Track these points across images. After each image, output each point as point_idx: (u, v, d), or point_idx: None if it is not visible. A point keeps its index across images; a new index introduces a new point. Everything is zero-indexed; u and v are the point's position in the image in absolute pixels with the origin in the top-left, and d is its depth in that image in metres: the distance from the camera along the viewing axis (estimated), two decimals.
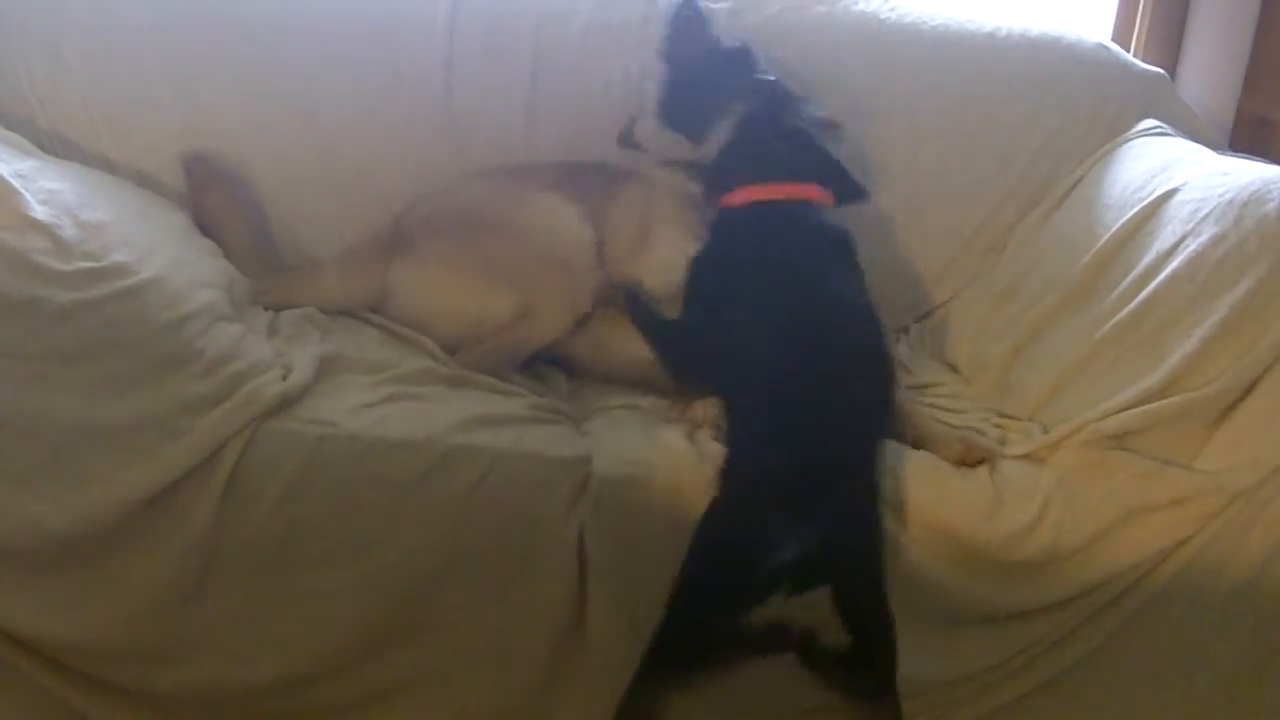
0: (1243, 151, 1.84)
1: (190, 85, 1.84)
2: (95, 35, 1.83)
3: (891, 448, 1.42)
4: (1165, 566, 1.38)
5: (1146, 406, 1.39)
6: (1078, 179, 1.85)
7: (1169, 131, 1.85)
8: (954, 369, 1.78)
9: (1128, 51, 2.09)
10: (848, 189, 1.65)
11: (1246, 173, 1.48)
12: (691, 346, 1.57)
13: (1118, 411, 1.41)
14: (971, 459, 1.44)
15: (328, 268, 1.78)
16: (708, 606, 1.19)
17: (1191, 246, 1.45)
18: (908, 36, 1.97)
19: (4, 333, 1.29)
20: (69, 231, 1.37)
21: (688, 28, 1.73)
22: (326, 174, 1.88)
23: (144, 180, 1.80)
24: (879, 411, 1.43)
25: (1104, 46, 2.01)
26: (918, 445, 1.47)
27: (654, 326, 1.62)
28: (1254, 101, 2.03)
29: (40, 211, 1.36)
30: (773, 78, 1.68)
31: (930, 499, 1.37)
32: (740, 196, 1.61)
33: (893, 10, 2.00)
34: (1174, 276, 1.45)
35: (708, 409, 1.49)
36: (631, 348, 1.65)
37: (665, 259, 1.68)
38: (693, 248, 1.64)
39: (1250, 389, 1.37)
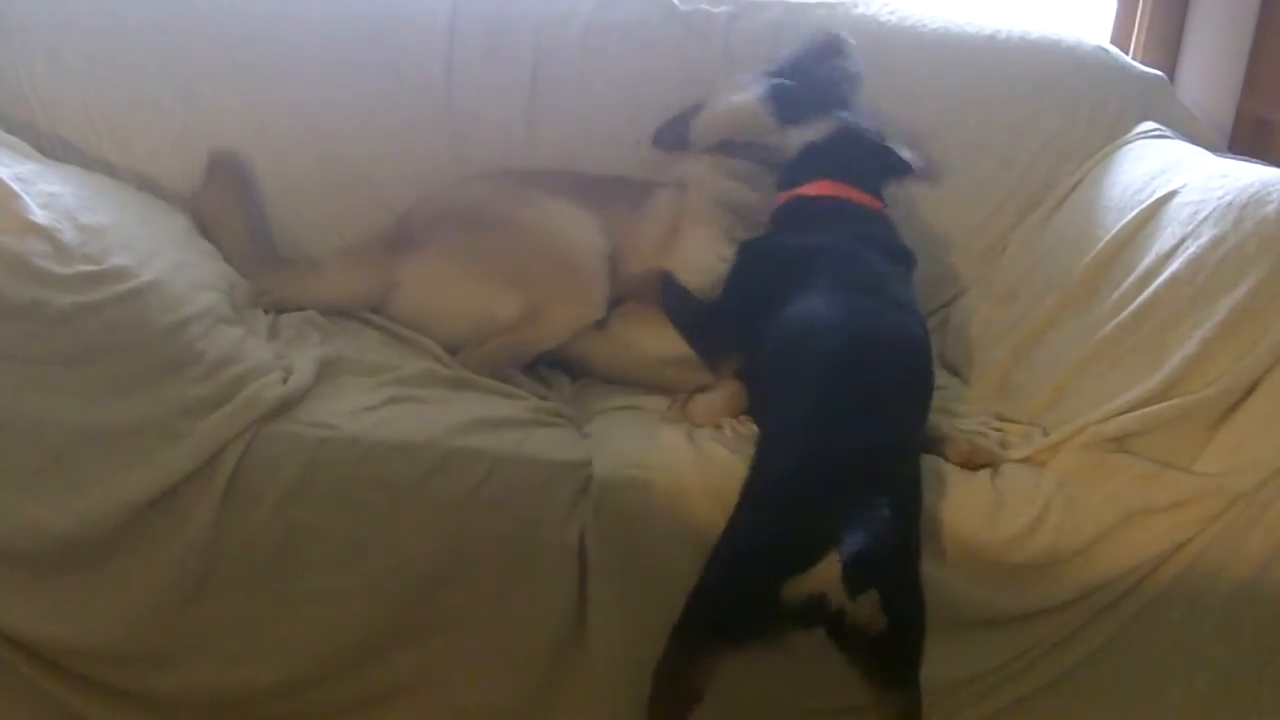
0: (1242, 153, 1.85)
1: (191, 88, 1.84)
2: (96, 38, 1.83)
3: None
4: (1165, 568, 1.38)
5: (1147, 409, 1.39)
6: (1077, 181, 1.85)
7: (1168, 134, 1.85)
8: (954, 372, 1.79)
9: (1127, 54, 2.09)
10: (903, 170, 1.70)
11: (1246, 175, 1.48)
12: (725, 325, 1.57)
13: (1118, 414, 1.40)
14: (976, 462, 1.44)
15: (330, 265, 1.78)
16: (751, 573, 1.19)
17: (1191, 248, 1.45)
18: (908, 39, 1.98)
19: (4, 336, 1.29)
20: (69, 235, 1.37)
21: (823, 53, 1.79)
22: (327, 176, 1.88)
23: (144, 183, 1.80)
24: (919, 410, 1.43)
25: (1103, 49, 2.01)
26: (924, 446, 1.47)
27: (688, 306, 1.63)
28: (1253, 103, 2.04)
29: (41, 215, 1.36)
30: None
31: (932, 502, 1.37)
32: (809, 189, 1.64)
33: (893, 13, 2.00)
34: (1173, 278, 1.45)
35: (709, 404, 1.49)
36: (648, 345, 1.65)
37: (698, 259, 1.68)
38: (727, 250, 1.64)
39: (1250, 391, 1.36)
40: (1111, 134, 1.89)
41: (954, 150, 1.93)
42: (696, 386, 1.58)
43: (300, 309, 1.68)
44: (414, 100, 1.89)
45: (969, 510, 1.38)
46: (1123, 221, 1.60)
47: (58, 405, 1.30)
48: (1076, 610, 1.39)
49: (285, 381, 1.41)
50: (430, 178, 1.87)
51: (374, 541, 1.36)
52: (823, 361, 1.35)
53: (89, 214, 1.45)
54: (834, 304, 1.44)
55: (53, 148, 1.79)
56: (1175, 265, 1.46)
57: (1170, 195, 1.55)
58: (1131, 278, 1.51)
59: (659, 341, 1.65)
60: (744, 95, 1.78)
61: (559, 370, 1.72)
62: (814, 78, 1.76)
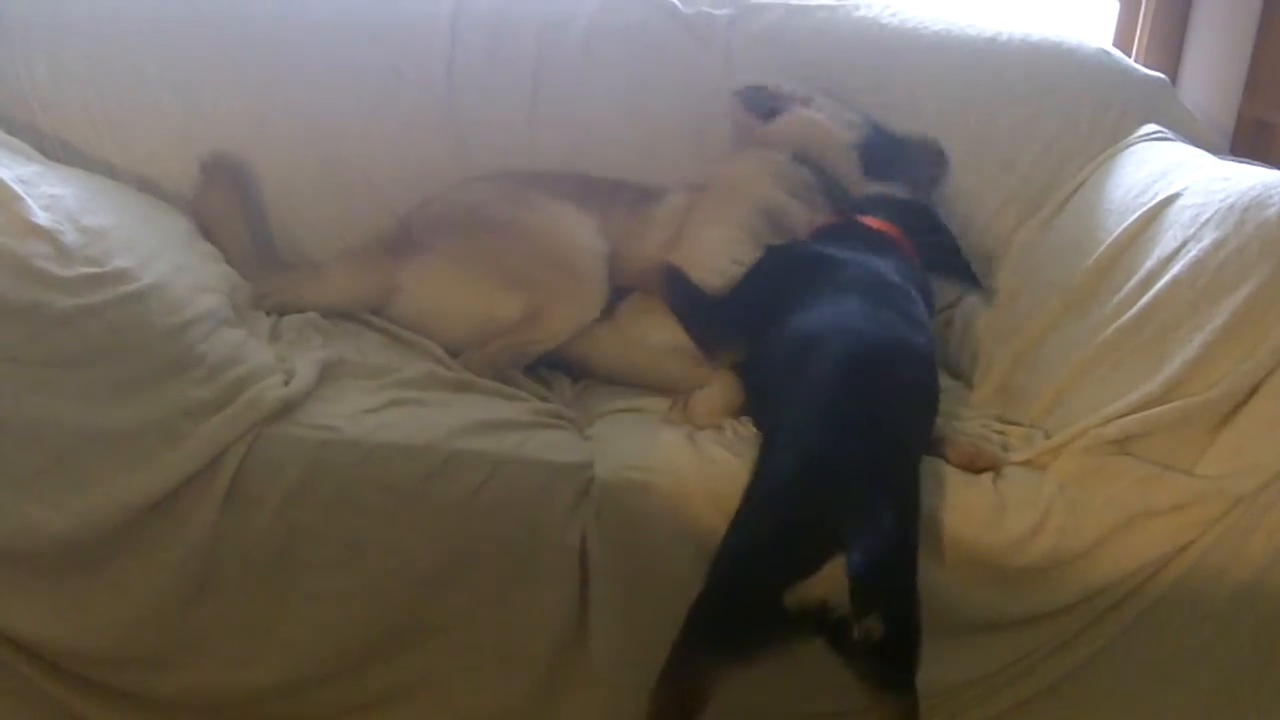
0: (1244, 156, 1.85)
1: (192, 89, 1.84)
2: (97, 40, 1.84)
3: None
4: (1167, 571, 1.38)
5: (1148, 411, 1.39)
6: (1079, 184, 1.85)
7: (1170, 136, 1.85)
8: (956, 374, 1.78)
9: (1129, 56, 2.09)
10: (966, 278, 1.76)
11: (1247, 177, 1.48)
12: (729, 317, 1.59)
13: (1119, 416, 1.40)
14: (979, 466, 1.43)
15: (332, 267, 1.79)
16: (753, 579, 1.19)
17: (1193, 251, 1.45)
18: (909, 41, 1.98)
19: (6, 337, 1.29)
20: (71, 237, 1.37)
21: (925, 148, 1.88)
22: (328, 178, 1.88)
23: (146, 185, 1.81)
24: (923, 422, 1.43)
25: (1105, 51, 2.01)
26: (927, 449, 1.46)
27: (691, 296, 1.63)
28: (1255, 106, 2.03)
29: (42, 217, 1.36)
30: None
31: (934, 505, 1.37)
32: (867, 220, 1.69)
33: (894, 15, 2.00)
34: (1175, 281, 1.45)
35: (709, 402, 1.49)
36: (653, 338, 1.66)
37: (713, 259, 1.68)
38: (747, 253, 1.65)
39: (1252, 393, 1.36)
40: (1113, 136, 1.89)
41: (955, 153, 1.93)
42: (696, 385, 1.59)
43: (302, 311, 1.68)
44: (415, 102, 1.89)
45: (971, 513, 1.37)
46: (1124, 224, 1.60)
47: (59, 407, 1.30)
48: (1078, 613, 1.39)
49: (287, 384, 1.41)
50: (431, 180, 1.87)
51: (375, 543, 1.36)
52: (834, 365, 1.35)
53: (91, 216, 1.45)
54: (850, 311, 1.44)
55: (54, 149, 1.79)
56: (1177, 268, 1.46)
57: (1172, 198, 1.55)
58: (1133, 281, 1.51)
59: (661, 335, 1.66)
60: (842, 129, 1.82)
61: (560, 372, 1.72)
62: (908, 158, 1.83)
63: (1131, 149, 1.83)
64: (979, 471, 1.43)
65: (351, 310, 1.73)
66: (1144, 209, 1.59)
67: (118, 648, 1.34)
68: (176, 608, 1.34)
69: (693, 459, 1.40)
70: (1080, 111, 1.93)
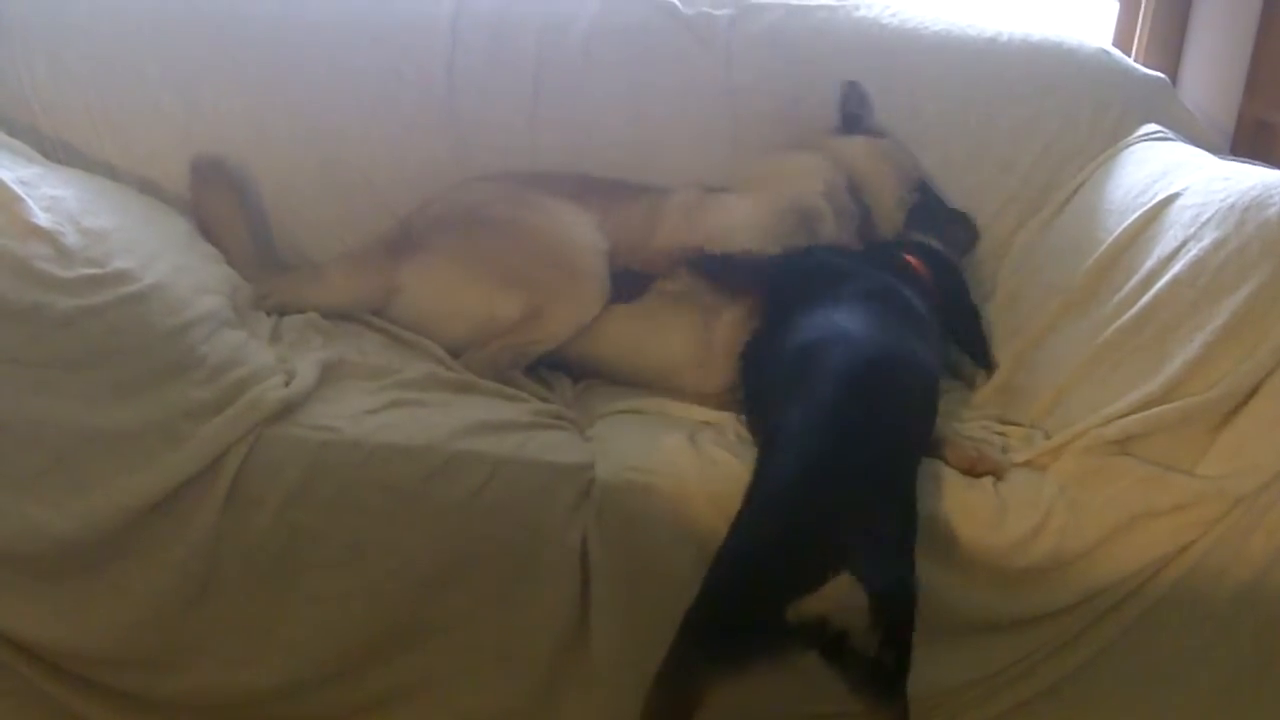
0: (1244, 156, 1.85)
1: (193, 90, 1.85)
2: (98, 41, 1.84)
3: None
4: (1167, 572, 1.38)
5: (1148, 412, 1.39)
6: (1079, 184, 1.85)
7: (1170, 136, 1.85)
8: (956, 375, 1.78)
9: (1129, 56, 2.09)
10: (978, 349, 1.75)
11: (1247, 177, 1.48)
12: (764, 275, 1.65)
13: (1120, 417, 1.40)
14: (980, 470, 1.43)
15: (332, 268, 1.79)
16: (754, 592, 1.18)
17: (1193, 251, 1.45)
18: (909, 41, 1.98)
19: (6, 339, 1.29)
20: (71, 238, 1.37)
21: (965, 223, 1.90)
22: (329, 179, 1.88)
23: (147, 186, 1.81)
24: (921, 434, 1.43)
25: (1105, 51, 2.01)
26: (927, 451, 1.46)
27: (725, 260, 1.68)
28: (1255, 106, 2.03)
29: (43, 218, 1.36)
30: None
31: (935, 507, 1.37)
32: (902, 252, 1.74)
33: (894, 15, 2.00)
34: (1175, 281, 1.45)
35: (733, 320, 1.59)
36: (653, 334, 1.67)
37: (734, 224, 1.71)
38: (764, 234, 1.69)
39: (1252, 393, 1.36)
40: (1113, 136, 1.89)
41: (955, 153, 1.93)
42: (697, 385, 1.60)
43: (302, 312, 1.68)
44: (416, 103, 1.89)
45: (972, 515, 1.37)
46: (1124, 224, 1.60)
47: (60, 408, 1.30)
48: (1078, 614, 1.39)
49: (287, 385, 1.41)
50: (432, 181, 1.87)
51: (376, 544, 1.36)
52: (840, 370, 1.35)
53: (91, 217, 1.45)
54: (858, 319, 1.45)
55: (55, 150, 1.79)
56: (1177, 268, 1.46)
57: (1172, 198, 1.55)
58: (1133, 281, 1.51)
59: (666, 334, 1.67)
60: (900, 182, 1.85)
61: (561, 373, 1.72)
62: (948, 221, 1.87)
63: (1131, 149, 1.83)
64: (980, 476, 1.43)
65: (352, 311, 1.73)
66: (1144, 209, 1.59)
67: (118, 649, 1.34)
68: (177, 609, 1.34)
69: (694, 460, 1.40)
70: (1080, 112, 1.93)
